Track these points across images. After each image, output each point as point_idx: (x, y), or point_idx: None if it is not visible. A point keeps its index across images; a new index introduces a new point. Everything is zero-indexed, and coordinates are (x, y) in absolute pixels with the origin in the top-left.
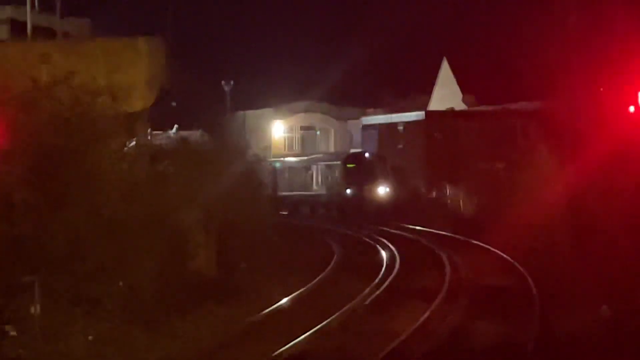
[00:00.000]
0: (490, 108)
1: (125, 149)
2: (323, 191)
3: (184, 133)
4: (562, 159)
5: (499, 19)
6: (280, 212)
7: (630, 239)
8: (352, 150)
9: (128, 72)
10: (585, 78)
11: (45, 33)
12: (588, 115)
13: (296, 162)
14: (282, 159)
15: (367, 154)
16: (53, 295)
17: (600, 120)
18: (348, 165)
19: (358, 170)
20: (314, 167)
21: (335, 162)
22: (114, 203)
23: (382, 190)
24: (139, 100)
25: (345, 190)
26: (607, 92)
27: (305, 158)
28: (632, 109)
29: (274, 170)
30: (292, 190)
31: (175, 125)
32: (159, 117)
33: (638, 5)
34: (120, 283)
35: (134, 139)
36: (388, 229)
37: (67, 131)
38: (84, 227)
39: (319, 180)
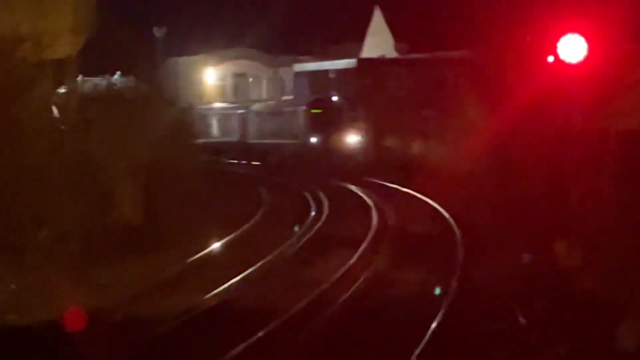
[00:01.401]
0: (422, 56)
1: (54, 95)
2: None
3: (114, 79)
4: (488, 107)
5: None
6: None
7: (550, 186)
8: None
9: (54, 18)
10: (510, 27)
11: None
12: (512, 64)
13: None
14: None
15: (335, 98)
16: None
17: (523, 69)
18: (313, 111)
19: (324, 116)
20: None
21: (297, 108)
22: (38, 152)
23: (352, 140)
24: (66, 47)
25: (309, 138)
26: (531, 41)
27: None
28: (551, 58)
29: (244, 117)
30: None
31: (118, 72)
32: (90, 63)
33: None
34: (44, 232)
35: (63, 86)
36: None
37: None
38: (7, 177)
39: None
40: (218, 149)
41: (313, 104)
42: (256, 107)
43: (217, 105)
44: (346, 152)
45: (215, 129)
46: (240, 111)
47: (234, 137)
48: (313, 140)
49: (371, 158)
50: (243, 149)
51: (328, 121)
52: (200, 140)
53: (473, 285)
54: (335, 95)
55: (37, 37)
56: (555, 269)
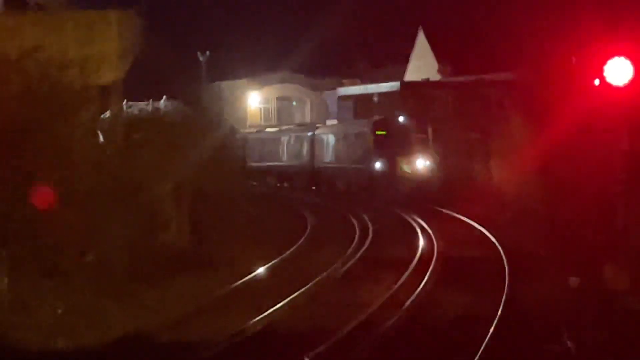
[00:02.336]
0: (465, 78)
1: (100, 120)
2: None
3: (159, 104)
4: (534, 129)
5: None
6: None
7: (597, 208)
8: (377, 117)
9: (99, 44)
10: (556, 50)
11: (17, 5)
12: (558, 86)
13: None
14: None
15: (402, 118)
16: (22, 267)
17: (569, 92)
18: (378, 133)
19: (390, 138)
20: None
21: (362, 130)
22: (84, 176)
23: (421, 164)
24: (111, 72)
25: (374, 163)
26: (577, 64)
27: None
28: (597, 81)
29: (312, 140)
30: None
31: (164, 97)
32: (135, 88)
33: None
34: (91, 255)
35: (108, 110)
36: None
37: (36, 104)
38: (53, 201)
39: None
40: (269, 173)
41: (377, 125)
42: (320, 130)
43: (268, 129)
44: (414, 178)
45: (265, 152)
46: (308, 133)
47: (289, 161)
48: (378, 165)
49: (440, 184)
50: (297, 173)
51: (394, 144)
52: (252, 164)
53: (521, 308)
54: (401, 115)
55: (83, 62)
56: (602, 292)
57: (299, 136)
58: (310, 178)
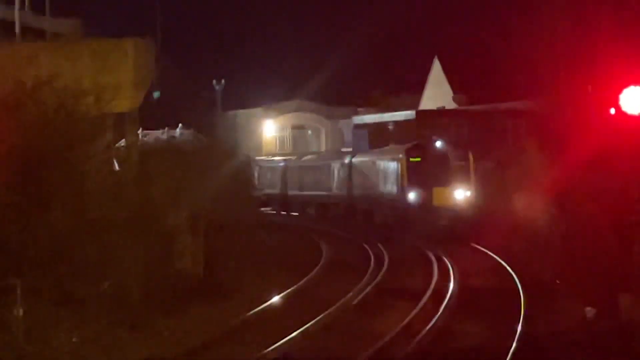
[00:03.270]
0: (480, 107)
1: (115, 149)
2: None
3: (175, 132)
4: (549, 159)
5: (489, 19)
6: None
7: (614, 239)
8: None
9: (115, 73)
10: (571, 78)
11: (35, 34)
12: (574, 115)
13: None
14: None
15: (439, 143)
16: (38, 296)
17: (584, 121)
18: (412, 160)
19: (426, 165)
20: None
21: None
22: (99, 204)
23: (461, 195)
24: (126, 101)
25: (408, 194)
26: (592, 93)
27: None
28: (612, 111)
29: (350, 166)
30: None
31: (180, 124)
32: (151, 116)
33: (622, 5)
34: (106, 284)
35: (123, 139)
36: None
37: (52, 133)
38: (69, 228)
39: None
40: (287, 201)
41: (411, 151)
42: (357, 158)
43: (289, 157)
44: (452, 210)
45: (283, 180)
46: (344, 161)
47: (327, 190)
48: (412, 196)
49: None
50: (335, 204)
51: (430, 172)
52: (268, 192)
53: (536, 339)
54: (438, 139)
55: (99, 91)
56: (619, 324)
57: (335, 163)
58: (347, 208)
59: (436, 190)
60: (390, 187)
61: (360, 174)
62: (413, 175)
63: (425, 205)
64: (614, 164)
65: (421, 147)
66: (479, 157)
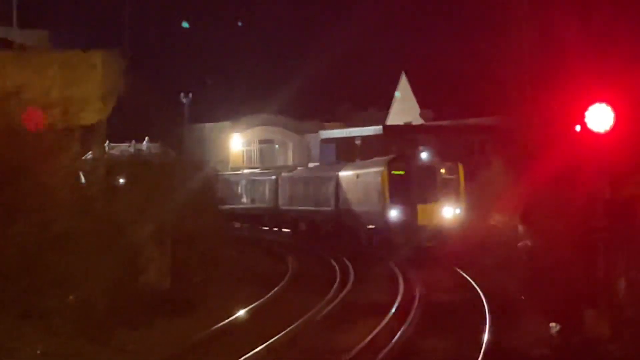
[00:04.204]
0: (447, 123)
1: (82, 161)
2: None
3: (142, 145)
4: (515, 175)
5: (456, 35)
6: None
7: (578, 254)
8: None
9: (83, 85)
10: (538, 95)
11: (1, 45)
12: (540, 132)
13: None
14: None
15: (425, 154)
16: (1, 309)
17: (551, 137)
18: (394, 173)
19: (410, 179)
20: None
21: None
22: (65, 217)
23: (449, 213)
24: (94, 114)
25: (389, 211)
26: (558, 110)
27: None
28: (578, 128)
29: (337, 181)
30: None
31: (146, 138)
32: (117, 129)
33: (589, 23)
34: (71, 297)
35: (90, 152)
36: None
37: (18, 145)
38: (34, 241)
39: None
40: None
41: (394, 163)
42: (345, 172)
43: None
44: (439, 229)
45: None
46: (334, 173)
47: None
48: (393, 214)
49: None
50: (323, 220)
51: (415, 187)
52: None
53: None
54: (425, 150)
55: (65, 103)
56: (584, 339)
57: (322, 177)
58: (335, 224)
59: (421, 208)
60: (371, 204)
61: (346, 189)
62: (395, 190)
63: (409, 224)
64: (579, 181)
65: (405, 159)
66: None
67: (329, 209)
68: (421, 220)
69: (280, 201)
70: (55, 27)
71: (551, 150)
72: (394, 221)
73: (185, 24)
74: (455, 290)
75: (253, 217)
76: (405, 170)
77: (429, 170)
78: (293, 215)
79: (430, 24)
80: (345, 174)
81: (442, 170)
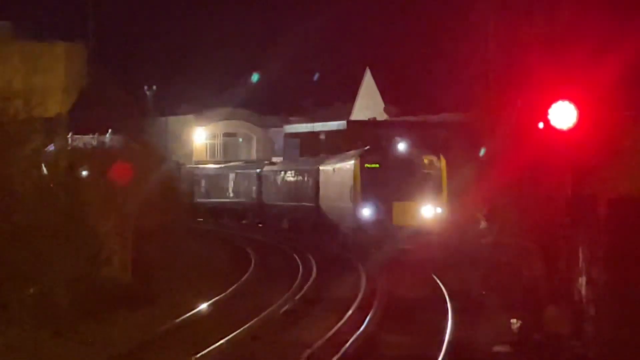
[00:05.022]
0: (411, 119)
1: (44, 153)
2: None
3: (105, 138)
4: (480, 172)
5: (421, 32)
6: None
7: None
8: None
9: (46, 76)
10: (502, 92)
11: None
12: (504, 129)
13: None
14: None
15: (403, 145)
16: None
17: (514, 134)
18: (368, 166)
19: (385, 174)
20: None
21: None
22: (26, 208)
23: (429, 212)
24: (57, 105)
25: (361, 210)
26: (522, 107)
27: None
28: (541, 125)
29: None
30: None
31: (109, 130)
32: (81, 121)
33: (553, 20)
34: (32, 289)
35: (53, 143)
36: None
37: None
38: None
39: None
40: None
41: (368, 155)
42: (326, 165)
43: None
44: (417, 230)
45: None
46: (314, 167)
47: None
48: (365, 212)
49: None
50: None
51: (390, 182)
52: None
53: (462, 350)
54: (403, 140)
55: (28, 94)
56: (545, 334)
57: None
58: (315, 221)
59: (397, 206)
60: (343, 200)
61: (324, 184)
62: (368, 186)
63: (382, 224)
64: (541, 179)
65: (380, 151)
66: None
67: (310, 204)
68: (396, 219)
69: (264, 196)
70: (18, 19)
71: (515, 147)
72: (366, 220)
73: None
74: (419, 287)
75: (231, 211)
76: (380, 164)
77: (407, 164)
78: (275, 212)
79: (395, 20)
80: (325, 168)
81: (423, 163)
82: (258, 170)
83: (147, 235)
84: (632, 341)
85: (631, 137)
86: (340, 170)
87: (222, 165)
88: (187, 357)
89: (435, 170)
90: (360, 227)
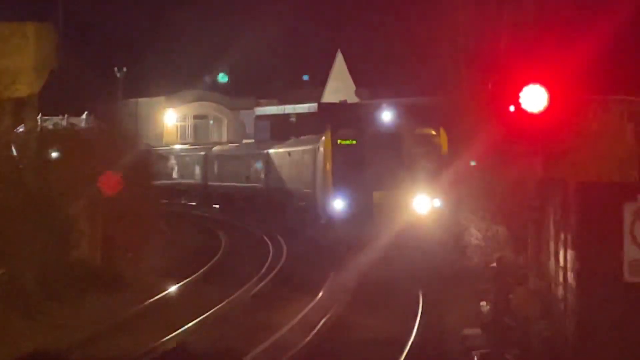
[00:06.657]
0: (383, 102)
1: (13, 134)
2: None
3: (74, 119)
4: (451, 155)
5: (392, 14)
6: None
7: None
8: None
9: (15, 57)
10: (473, 75)
11: None
12: (474, 112)
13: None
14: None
15: (388, 114)
16: None
17: (485, 118)
18: (341, 142)
19: (364, 153)
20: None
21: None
22: None
23: (424, 203)
24: (26, 86)
25: (332, 200)
26: (493, 90)
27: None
28: (512, 108)
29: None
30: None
31: (85, 112)
32: (50, 102)
33: (522, 3)
34: (0, 271)
35: (22, 125)
36: None
37: None
38: None
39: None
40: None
41: (341, 129)
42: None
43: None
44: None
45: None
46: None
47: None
48: (337, 205)
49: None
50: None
51: (371, 164)
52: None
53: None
54: (388, 108)
55: None
56: (513, 317)
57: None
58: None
59: (379, 196)
60: (307, 188)
61: (277, 167)
62: (342, 169)
63: (361, 219)
64: (511, 162)
65: (358, 123)
66: None
67: (258, 185)
68: (378, 214)
69: (210, 177)
70: None
71: (487, 130)
72: (338, 215)
73: None
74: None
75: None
76: (357, 139)
77: (394, 140)
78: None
79: (366, 2)
80: (275, 151)
81: (416, 138)
82: (203, 153)
83: (117, 218)
84: (601, 322)
85: (599, 120)
86: (303, 153)
87: (168, 147)
88: (156, 339)
89: (433, 147)
90: (332, 222)
